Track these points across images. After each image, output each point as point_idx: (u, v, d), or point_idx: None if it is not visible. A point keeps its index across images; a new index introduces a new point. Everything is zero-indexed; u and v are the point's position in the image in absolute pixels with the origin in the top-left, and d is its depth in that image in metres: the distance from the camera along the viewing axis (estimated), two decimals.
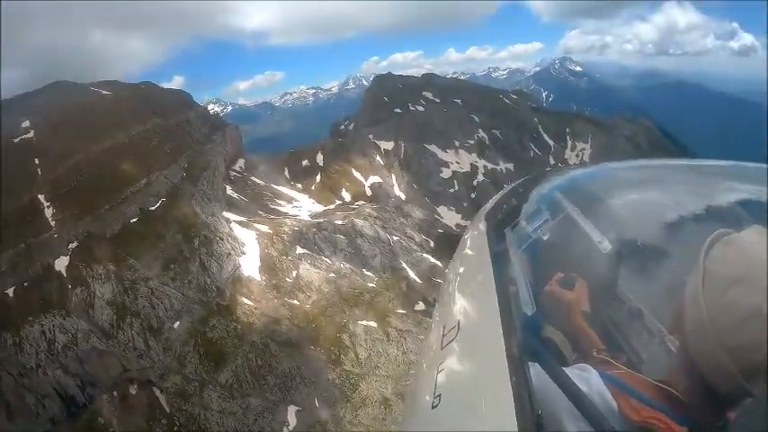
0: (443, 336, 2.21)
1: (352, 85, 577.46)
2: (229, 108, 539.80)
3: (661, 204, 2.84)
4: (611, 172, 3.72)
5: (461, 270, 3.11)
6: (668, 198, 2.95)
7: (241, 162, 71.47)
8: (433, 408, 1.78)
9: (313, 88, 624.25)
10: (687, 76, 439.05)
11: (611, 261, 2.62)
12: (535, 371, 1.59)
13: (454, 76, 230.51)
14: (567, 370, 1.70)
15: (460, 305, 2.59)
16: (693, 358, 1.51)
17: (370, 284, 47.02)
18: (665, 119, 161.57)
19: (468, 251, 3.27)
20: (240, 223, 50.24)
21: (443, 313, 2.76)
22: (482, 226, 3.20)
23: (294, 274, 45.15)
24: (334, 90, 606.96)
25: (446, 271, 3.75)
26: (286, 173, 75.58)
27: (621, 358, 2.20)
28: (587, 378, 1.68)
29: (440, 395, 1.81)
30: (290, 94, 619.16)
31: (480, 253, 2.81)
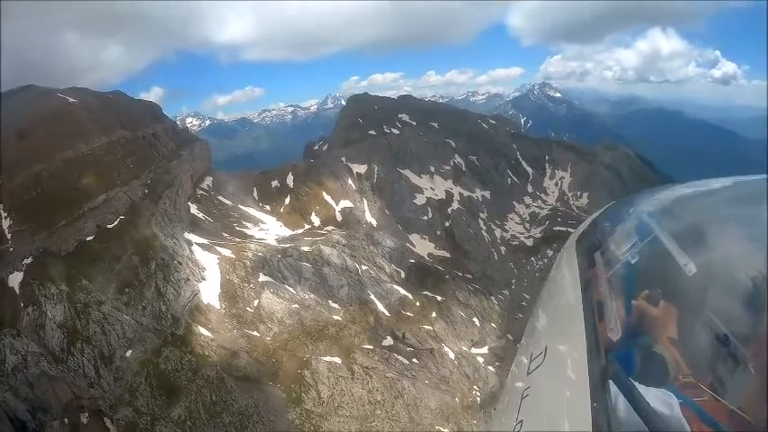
0: (531, 361, 2.38)
1: (330, 105, 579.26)
2: (207, 122, 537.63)
3: (745, 226, 2.74)
4: (697, 193, 3.76)
5: (551, 295, 3.47)
6: (752, 221, 2.75)
7: (209, 180, 69.53)
8: None
9: (292, 106, 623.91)
10: (667, 104, 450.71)
11: (696, 284, 2.56)
12: (617, 398, 1.75)
13: (433, 99, 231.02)
14: (649, 395, 1.83)
15: (548, 331, 2.97)
16: None
17: (336, 317, 45.57)
18: (644, 146, 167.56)
19: (558, 276, 3.59)
20: (202, 246, 48.43)
21: (532, 338, 3.13)
22: (572, 250, 3.50)
23: (256, 303, 43.46)
24: (313, 109, 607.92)
25: (538, 296, 4.06)
26: (255, 193, 73.90)
27: (705, 382, 2.23)
28: (667, 404, 1.79)
29: (522, 420, 1.97)
30: (269, 110, 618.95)
31: (570, 278, 3.10)
